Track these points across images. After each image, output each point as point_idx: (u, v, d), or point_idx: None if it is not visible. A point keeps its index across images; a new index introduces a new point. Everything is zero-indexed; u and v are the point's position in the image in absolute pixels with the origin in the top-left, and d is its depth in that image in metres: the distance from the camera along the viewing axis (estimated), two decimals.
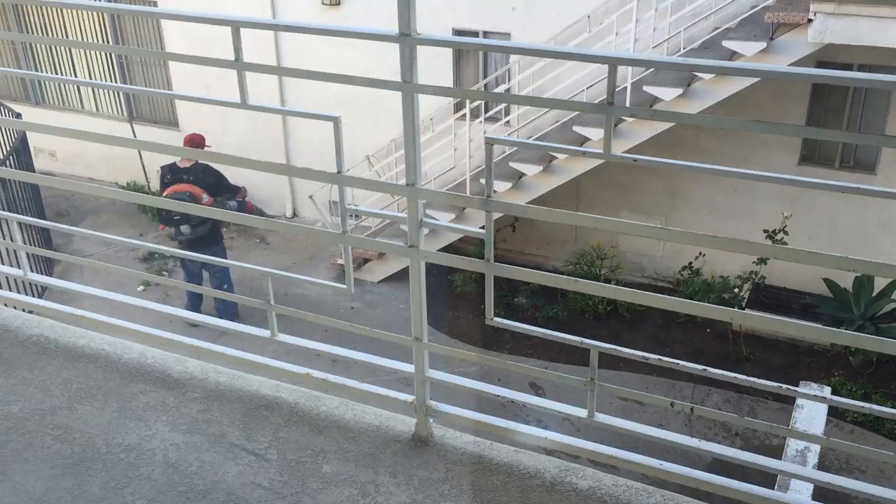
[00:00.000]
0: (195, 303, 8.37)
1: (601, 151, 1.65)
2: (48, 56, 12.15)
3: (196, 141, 8.15)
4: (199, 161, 7.91)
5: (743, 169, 1.62)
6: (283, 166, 2.04)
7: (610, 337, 8.42)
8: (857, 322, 7.96)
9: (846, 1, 6.50)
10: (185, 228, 7.81)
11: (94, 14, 11.35)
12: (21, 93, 12.41)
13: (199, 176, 7.88)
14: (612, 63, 1.57)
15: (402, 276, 9.14)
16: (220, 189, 8.11)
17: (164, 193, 7.80)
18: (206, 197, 7.85)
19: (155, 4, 10.64)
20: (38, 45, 12.25)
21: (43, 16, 11.83)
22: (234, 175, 11.02)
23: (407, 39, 1.67)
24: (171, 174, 7.88)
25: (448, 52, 9.19)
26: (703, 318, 6.95)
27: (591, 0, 8.33)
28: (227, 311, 8.30)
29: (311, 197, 9.77)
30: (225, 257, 8.20)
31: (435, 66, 9.14)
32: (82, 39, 11.67)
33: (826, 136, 1.56)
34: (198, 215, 7.49)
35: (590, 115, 8.01)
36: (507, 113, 9.26)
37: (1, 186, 8.63)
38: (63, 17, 11.72)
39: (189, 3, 10.37)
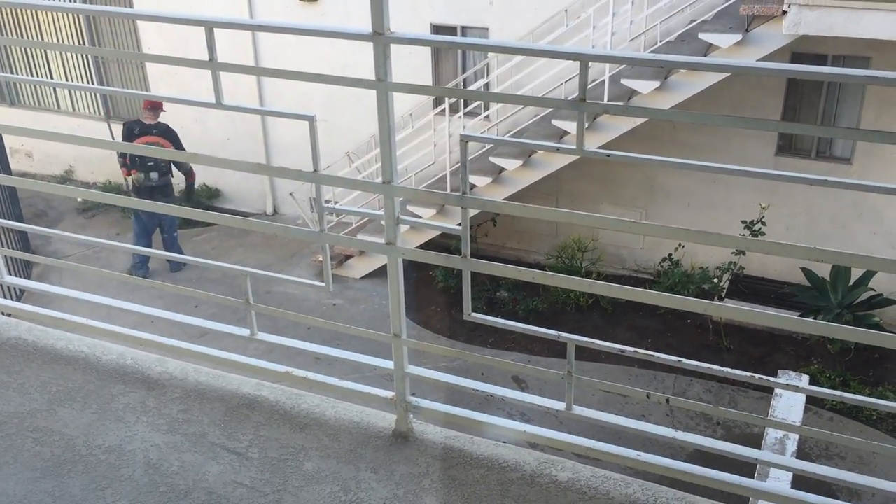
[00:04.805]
0: (145, 257, 9.23)
1: (574, 147, 1.66)
2: (23, 57, 12.03)
3: (157, 104, 9.07)
4: (160, 121, 9.04)
5: (719, 164, 1.63)
6: (260, 166, 2.05)
7: (591, 329, 8.47)
8: (834, 310, 8.05)
9: None
10: (154, 175, 8.97)
11: (70, 14, 11.25)
12: None
13: (165, 133, 9.00)
14: (584, 60, 1.59)
15: (384, 272, 9.09)
16: (179, 148, 9.01)
17: (137, 143, 8.74)
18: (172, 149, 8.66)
19: (131, 5, 10.56)
20: (12, 46, 12.13)
21: (17, 15, 11.70)
22: (214, 173, 11.00)
23: (380, 38, 1.68)
24: (139, 127, 8.94)
25: (426, 48, 9.19)
26: (684, 308, 7.04)
27: None
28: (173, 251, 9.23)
29: (291, 194, 9.76)
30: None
31: (414, 62, 9.13)
32: (58, 40, 11.57)
33: (795, 129, 1.59)
34: (163, 167, 8.99)
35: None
36: (487, 108, 9.27)
37: None
38: (38, 18, 11.61)
39: (165, 3, 10.30)
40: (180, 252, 9.44)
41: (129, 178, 9.13)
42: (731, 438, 6.87)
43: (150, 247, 9.19)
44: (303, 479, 2.01)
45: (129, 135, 8.92)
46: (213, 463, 2.06)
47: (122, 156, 9.13)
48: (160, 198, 8.85)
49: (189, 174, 9.41)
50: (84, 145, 2.23)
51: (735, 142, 8.58)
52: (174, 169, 9.29)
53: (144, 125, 8.95)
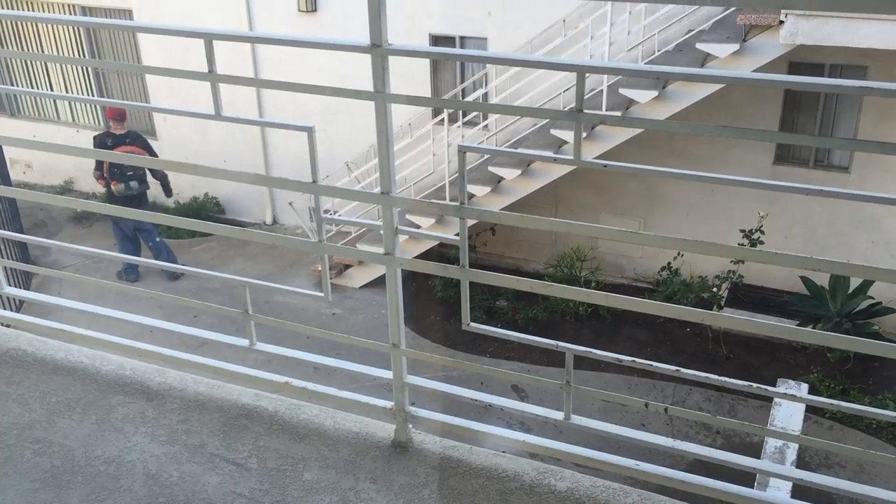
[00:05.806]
0: (132, 262, 9.14)
1: (571, 158, 1.67)
2: (24, 68, 12.06)
3: (123, 113, 9.05)
4: (130, 130, 9.10)
5: (717, 174, 1.63)
6: (260, 177, 2.05)
7: (591, 338, 8.47)
8: (833, 319, 8.05)
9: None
10: (133, 184, 9.02)
11: (70, 26, 11.29)
12: None
13: (137, 140, 9.06)
14: (581, 71, 1.60)
15: (383, 282, 9.12)
16: (152, 154, 9.32)
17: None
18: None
19: (130, 16, 10.60)
20: (13, 58, 12.16)
21: (18, 27, 11.74)
22: (213, 182, 11.01)
23: (378, 50, 1.69)
24: (111, 139, 8.87)
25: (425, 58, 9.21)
26: (683, 318, 7.01)
27: (566, 4, 8.39)
28: (163, 256, 9.36)
29: (290, 204, 9.77)
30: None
31: (413, 72, 9.16)
32: (58, 52, 11.60)
33: (792, 140, 1.60)
34: (141, 175, 9.02)
35: None
36: (485, 118, 9.29)
37: None
38: (38, 30, 11.65)
39: (166, 12, 10.34)
40: (169, 253, 9.48)
41: (112, 188, 9.04)
42: (731, 447, 6.85)
43: (137, 250, 9.32)
44: (302, 489, 2.01)
45: (102, 147, 8.73)
46: (213, 473, 2.06)
47: (98, 168, 9.00)
48: (138, 207, 8.88)
49: (164, 178, 9.34)
50: (83, 157, 2.24)
51: (733, 150, 8.60)
52: (149, 176, 9.28)
53: (116, 136, 8.86)
